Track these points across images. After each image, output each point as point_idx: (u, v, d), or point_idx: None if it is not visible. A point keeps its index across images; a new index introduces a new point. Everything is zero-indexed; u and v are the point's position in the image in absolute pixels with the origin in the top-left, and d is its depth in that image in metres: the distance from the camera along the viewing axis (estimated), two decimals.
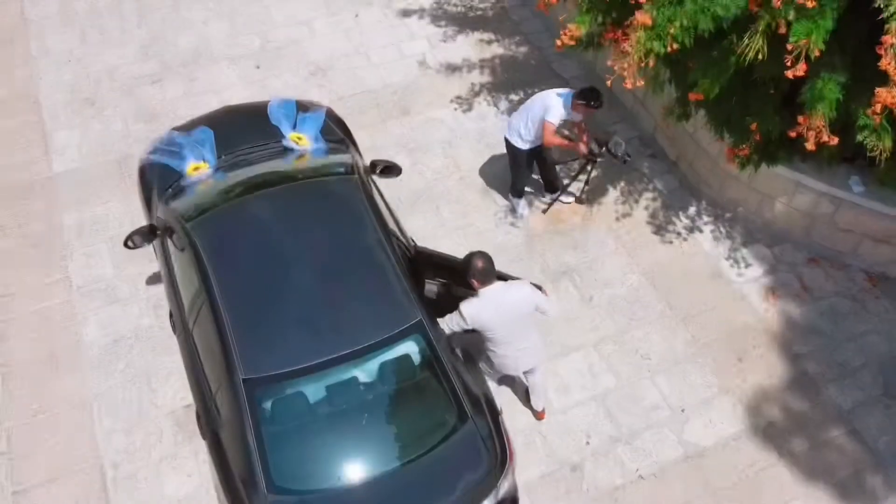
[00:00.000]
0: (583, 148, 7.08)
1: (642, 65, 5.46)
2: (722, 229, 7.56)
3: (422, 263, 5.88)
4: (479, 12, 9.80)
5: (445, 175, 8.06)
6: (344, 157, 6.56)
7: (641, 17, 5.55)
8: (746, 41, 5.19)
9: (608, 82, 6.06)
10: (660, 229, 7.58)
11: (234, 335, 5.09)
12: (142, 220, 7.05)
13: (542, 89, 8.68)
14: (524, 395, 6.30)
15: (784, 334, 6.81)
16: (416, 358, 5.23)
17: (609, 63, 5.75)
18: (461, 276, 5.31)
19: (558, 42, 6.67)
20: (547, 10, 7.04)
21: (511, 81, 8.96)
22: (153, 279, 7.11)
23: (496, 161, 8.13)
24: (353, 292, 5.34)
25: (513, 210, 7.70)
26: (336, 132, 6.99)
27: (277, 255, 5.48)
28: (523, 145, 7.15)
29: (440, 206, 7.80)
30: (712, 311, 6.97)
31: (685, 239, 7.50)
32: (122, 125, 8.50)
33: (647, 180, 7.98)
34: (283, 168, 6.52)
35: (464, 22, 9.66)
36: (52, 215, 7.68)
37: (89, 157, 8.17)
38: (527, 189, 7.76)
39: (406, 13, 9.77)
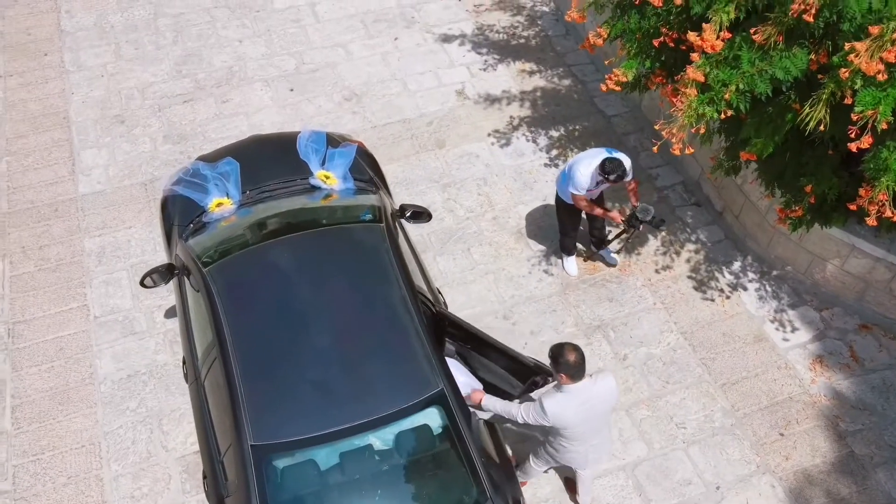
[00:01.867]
0: (617, 216, 6.62)
1: (693, 131, 5.09)
2: (768, 288, 7.14)
3: (445, 327, 5.55)
4: (521, 41, 9.46)
5: (479, 214, 7.74)
6: (372, 200, 6.27)
7: (693, 74, 5.17)
8: (808, 109, 4.79)
9: (654, 147, 5.71)
10: (701, 285, 7.19)
11: (246, 396, 4.82)
12: (162, 251, 6.85)
13: (584, 125, 8.45)
14: (563, 480, 5.96)
15: (831, 409, 6.38)
16: (436, 430, 4.91)
17: (657, 127, 5.38)
18: (485, 347, 4.98)
19: (603, 86, 6.37)
20: (592, 50, 6.70)
21: (552, 116, 8.61)
22: (171, 313, 6.90)
23: (532, 202, 7.80)
24: (373, 355, 5.04)
25: (555, 257, 7.36)
26: (366, 171, 6.71)
27: (295, 310, 5.20)
28: (569, 200, 6.75)
29: (471, 247, 7.48)
30: (754, 378, 6.57)
31: (728, 297, 7.09)
32: (151, 146, 8.31)
33: (690, 231, 7.58)
34: (308, 210, 6.26)
35: (505, 50, 9.33)
36: (74, 239, 7.50)
37: (115, 180, 7.99)
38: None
39: (447, 38, 9.46)
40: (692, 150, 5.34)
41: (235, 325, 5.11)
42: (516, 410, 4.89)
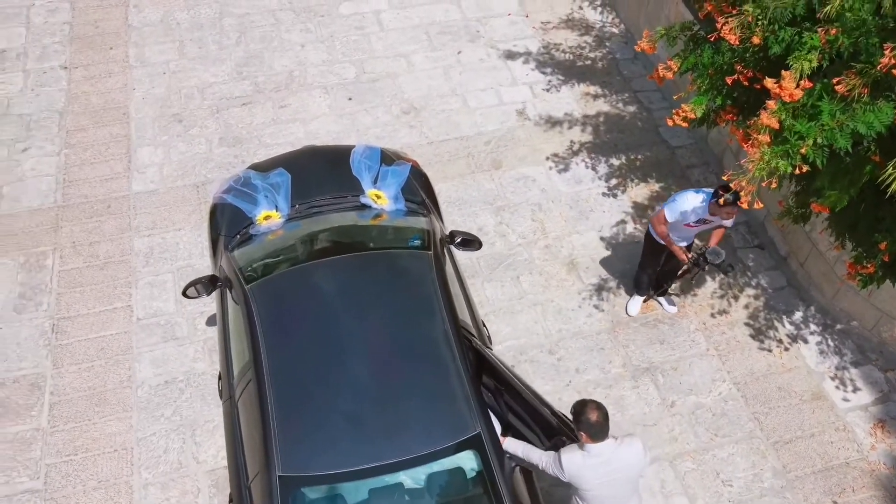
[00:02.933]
0: (682, 254, 6.25)
1: (763, 184, 4.80)
2: (830, 343, 6.79)
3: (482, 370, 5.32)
4: (587, 62, 9.21)
5: (531, 241, 7.52)
6: (422, 223, 6.11)
7: (767, 120, 4.89)
8: (890, 170, 4.48)
9: (721, 200, 5.44)
10: (759, 333, 6.86)
11: (277, 424, 4.70)
12: (209, 256, 6.78)
13: (646, 155, 8.17)
14: None
15: (891, 478, 6.02)
16: (469, 474, 4.73)
17: (725, 177, 5.10)
18: (517, 396, 4.77)
19: (669, 121, 6.11)
20: (661, 82, 6.44)
21: (614, 143, 8.35)
22: (212, 321, 6.83)
23: (587, 232, 7.56)
24: (410, 391, 4.87)
25: (606, 292, 7.11)
26: (418, 192, 6.55)
27: (334, 338, 5.06)
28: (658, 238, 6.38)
29: (521, 275, 7.27)
30: (809, 438, 6.23)
31: (786, 348, 6.76)
32: (206, 147, 8.28)
33: (751, 275, 7.26)
34: (356, 230, 6.13)
35: (570, 71, 9.09)
36: (124, 237, 7.50)
37: (169, 180, 7.97)
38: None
39: (511, 55, 9.26)
40: (762, 206, 5.05)
41: (273, 349, 4.99)
42: (537, 458, 4.68)
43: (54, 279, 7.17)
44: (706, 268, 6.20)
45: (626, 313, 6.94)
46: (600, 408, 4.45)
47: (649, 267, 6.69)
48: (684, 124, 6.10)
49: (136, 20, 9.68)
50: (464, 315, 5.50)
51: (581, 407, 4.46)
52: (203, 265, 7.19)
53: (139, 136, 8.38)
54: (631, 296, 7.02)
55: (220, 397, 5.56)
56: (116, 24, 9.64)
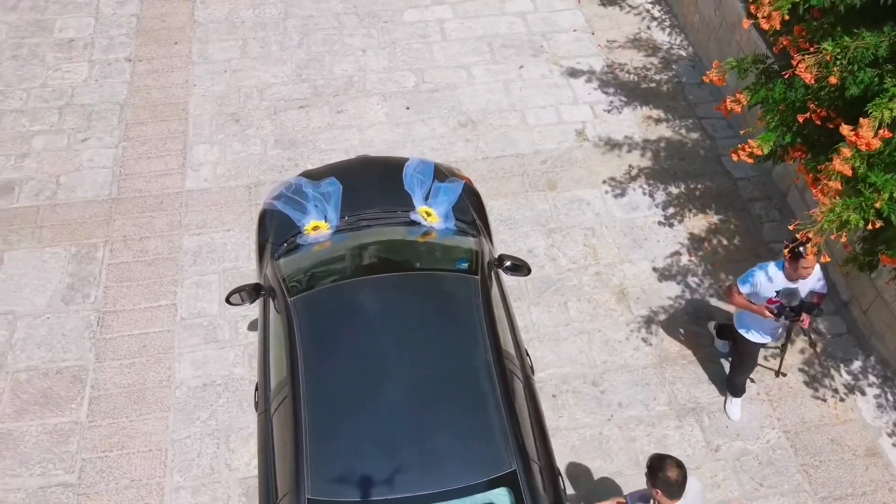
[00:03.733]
0: (765, 312, 5.59)
1: (833, 237, 4.57)
2: (890, 397, 6.48)
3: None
4: (652, 84, 8.98)
5: (582, 266, 7.34)
6: (471, 245, 5.98)
7: (840, 167, 4.66)
8: None
9: (785, 250, 5.20)
10: (813, 381, 6.58)
11: (310, 445, 4.63)
12: (254, 260, 6.75)
13: (707, 185, 7.93)
14: None
15: None
16: None
17: (790, 227, 4.88)
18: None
19: (734, 156, 5.91)
20: (728, 114, 6.22)
21: (673, 170, 8.12)
22: (254, 326, 6.80)
23: (640, 261, 7.35)
24: (446, 422, 4.75)
25: (655, 325, 6.91)
26: (469, 211, 6.42)
27: (374, 361, 4.97)
28: (753, 336, 5.90)
29: (569, 301, 7.10)
30: (860, 497, 5.95)
31: (842, 399, 6.47)
32: (261, 149, 8.28)
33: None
34: (404, 247, 6.04)
35: (634, 93, 8.87)
36: (174, 234, 7.53)
37: (222, 179, 7.98)
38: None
39: (574, 73, 9.07)
40: (829, 258, 4.81)
41: (311, 366, 4.92)
42: None
43: (103, 272, 7.22)
44: (792, 316, 5.57)
45: (728, 417, 6.39)
46: (680, 466, 4.24)
47: (747, 369, 6.21)
48: (749, 160, 5.89)
49: (202, 16, 9.74)
50: (507, 343, 5.36)
51: (659, 463, 4.25)
52: (249, 268, 7.18)
53: (196, 134, 8.42)
54: (726, 397, 6.46)
55: (256, 409, 5.51)
56: (182, 19, 9.71)
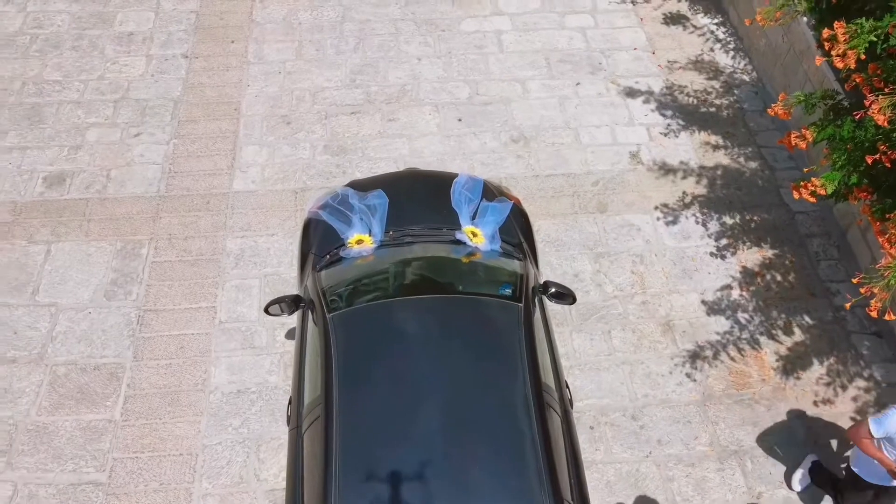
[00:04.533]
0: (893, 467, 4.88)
1: None
2: None
3: None
4: (712, 109, 8.73)
5: (628, 294, 7.15)
6: (516, 268, 5.84)
7: None
8: None
9: (847, 305, 4.93)
10: None
11: (340, 470, 4.53)
12: (296, 267, 6.68)
13: (763, 217, 7.67)
14: None
15: None
16: None
17: (854, 280, 4.65)
18: None
19: (795, 193, 5.69)
20: (792, 149, 5.99)
21: (729, 200, 7.87)
22: (292, 334, 6.75)
23: (689, 293, 7.14)
24: (480, 458, 4.61)
25: (700, 361, 6.69)
26: (516, 233, 6.28)
27: (410, 387, 4.86)
28: (871, 479, 5.21)
29: (613, 329, 6.91)
30: None
31: None
32: (310, 153, 8.23)
33: (864, 364, 6.69)
34: (447, 268, 5.91)
35: (692, 117, 8.63)
36: (218, 236, 7.51)
37: (269, 182, 7.95)
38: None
39: (631, 93, 8.86)
40: (894, 317, 4.57)
41: (346, 389, 4.83)
42: None
43: (146, 270, 7.24)
44: None
45: (790, 485, 6.00)
46: None
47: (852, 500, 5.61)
48: (812, 199, 5.68)
49: (260, 16, 9.74)
50: (547, 375, 5.20)
51: None
52: (290, 276, 7.13)
53: (246, 135, 8.40)
54: (794, 472, 6.05)
55: (288, 423, 5.44)
56: (241, 17, 9.72)
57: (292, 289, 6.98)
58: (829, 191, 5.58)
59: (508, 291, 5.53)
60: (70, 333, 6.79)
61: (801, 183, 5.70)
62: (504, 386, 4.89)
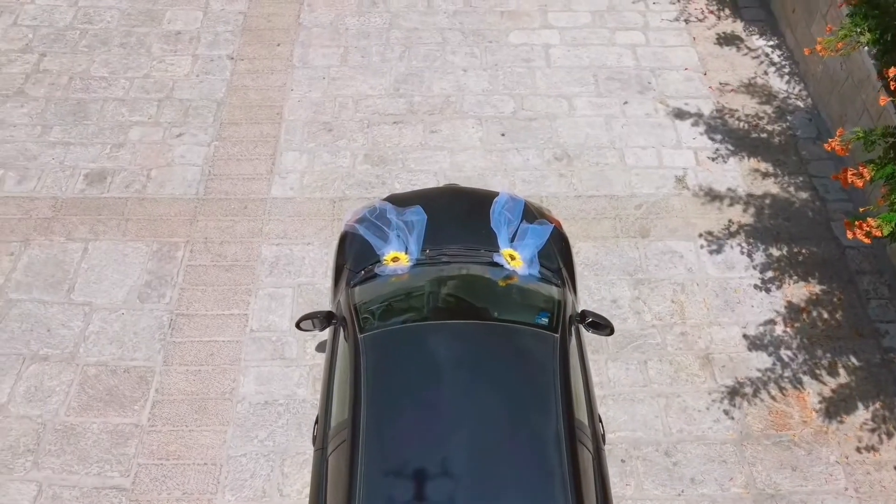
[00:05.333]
0: None
1: None
2: None
3: None
4: (763, 135, 8.48)
5: (667, 324, 6.96)
6: (553, 295, 5.70)
7: None
8: None
9: None
10: None
11: (363, 500, 4.42)
12: (330, 278, 6.60)
13: (812, 250, 7.44)
14: None
15: None
16: None
17: None
18: None
19: (849, 233, 5.46)
20: (847, 185, 5.76)
21: (776, 231, 7.62)
22: (322, 347, 6.67)
23: (730, 326, 6.92)
24: (507, 494, 4.48)
25: (739, 398, 6.48)
26: (555, 258, 6.13)
27: (439, 417, 4.74)
28: None
29: (649, 360, 6.73)
30: None
31: None
32: (350, 162, 8.15)
33: None
34: (483, 292, 5.78)
35: (742, 142, 8.39)
36: (253, 242, 7.47)
37: (308, 189, 7.89)
38: None
39: (680, 114, 8.65)
40: None
41: (373, 416, 4.73)
42: None
43: (180, 273, 7.21)
44: None
45: None
46: None
47: None
48: (866, 240, 5.44)
49: (308, 20, 9.70)
50: (581, 409, 5.05)
51: None
52: (324, 286, 7.05)
53: (287, 140, 8.35)
54: None
55: (313, 443, 5.35)
56: (288, 20, 9.69)
57: (325, 299, 6.93)
58: (886, 232, 5.36)
59: (545, 320, 5.38)
60: (102, 334, 6.79)
61: (856, 222, 5.47)
62: (535, 421, 4.75)
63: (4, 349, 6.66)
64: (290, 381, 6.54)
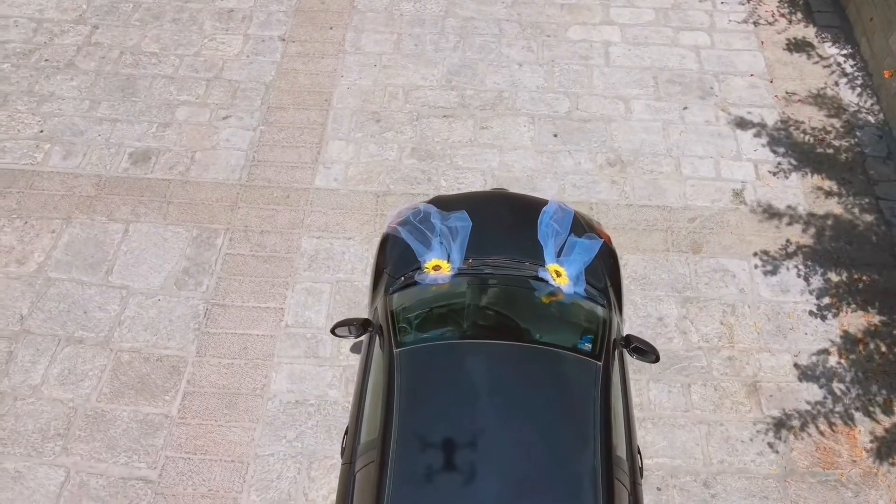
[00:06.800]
0: None
1: None
2: None
3: None
4: (829, 150, 8.08)
5: (714, 347, 6.68)
6: (598, 317, 5.47)
7: None
8: None
9: None
10: None
11: None
12: (369, 277, 6.44)
13: (874, 277, 7.09)
14: None
15: None
16: None
17: None
18: None
19: None
20: None
21: (837, 254, 7.27)
22: (357, 348, 6.54)
23: (782, 354, 6.63)
24: None
25: (786, 431, 6.21)
26: (602, 277, 5.88)
27: (471, 443, 4.56)
28: None
29: (693, 384, 6.48)
30: None
31: None
32: (396, 155, 7.96)
33: None
34: (525, 310, 5.57)
35: (807, 157, 8.00)
36: (294, 233, 7.34)
37: (352, 181, 7.73)
38: None
39: (742, 124, 8.28)
40: None
41: (404, 437, 4.58)
42: None
43: (219, 261, 7.12)
44: None
45: None
46: None
47: None
48: None
49: (362, 3, 9.48)
50: (619, 442, 4.84)
51: None
52: (363, 284, 6.91)
53: (334, 128, 8.18)
54: None
55: (341, 455, 5.22)
56: (342, 3, 9.48)
57: (363, 297, 6.80)
58: None
59: (588, 346, 5.16)
60: (137, 319, 6.73)
61: None
62: (572, 454, 4.56)
63: (42, 329, 6.65)
64: (322, 381, 6.43)
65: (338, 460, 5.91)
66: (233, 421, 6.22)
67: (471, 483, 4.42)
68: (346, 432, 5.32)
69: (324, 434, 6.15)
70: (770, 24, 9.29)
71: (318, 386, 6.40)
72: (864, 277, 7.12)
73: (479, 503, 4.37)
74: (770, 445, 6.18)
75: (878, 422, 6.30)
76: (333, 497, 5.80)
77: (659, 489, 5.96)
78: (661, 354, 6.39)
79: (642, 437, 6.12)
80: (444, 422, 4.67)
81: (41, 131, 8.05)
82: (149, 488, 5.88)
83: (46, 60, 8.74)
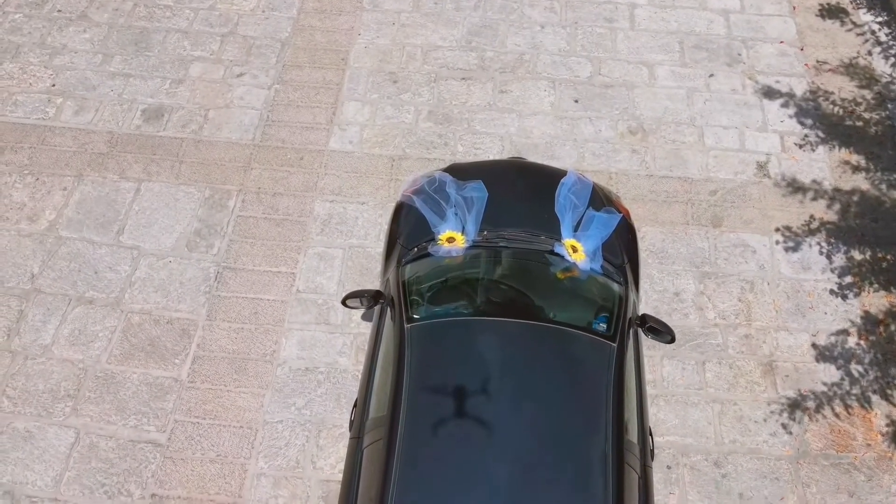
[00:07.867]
0: None
1: None
2: None
3: None
4: (858, 123, 7.84)
5: (731, 324, 6.57)
6: (614, 295, 5.36)
7: None
8: None
9: None
10: None
11: (395, 500, 4.26)
12: (382, 243, 6.34)
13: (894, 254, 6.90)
14: None
15: None
16: None
17: None
18: None
19: None
20: None
21: (861, 232, 7.09)
22: (368, 316, 6.47)
23: (800, 333, 6.51)
24: None
25: (801, 413, 6.12)
26: (619, 253, 5.75)
27: (481, 423, 4.50)
28: None
29: (708, 361, 6.38)
30: None
31: None
32: (413, 118, 7.80)
33: None
34: (539, 286, 5.46)
35: (835, 130, 7.77)
36: (307, 196, 7.23)
37: (367, 144, 7.58)
38: None
39: (769, 93, 8.04)
40: None
41: (412, 415, 4.52)
42: None
43: (231, 223, 7.04)
44: None
45: None
46: None
47: None
48: None
49: None
50: (632, 427, 4.77)
51: None
52: (375, 251, 6.82)
53: (350, 89, 8.02)
54: None
55: (350, 427, 5.19)
56: None
57: (375, 264, 6.73)
58: None
59: (602, 326, 5.06)
60: (148, 281, 6.69)
61: None
62: (583, 439, 4.49)
63: (52, 288, 6.62)
64: (332, 348, 6.38)
65: (346, 429, 5.89)
66: (242, 386, 6.19)
67: (478, 465, 4.36)
68: (354, 404, 5.28)
69: (333, 403, 6.12)
70: None
71: (328, 353, 6.36)
72: (889, 256, 6.95)
73: (487, 486, 4.32)
74: (784, 426, 6.10)
75: (895, 405, 6.20)
76: (341, 466, 5.79)
77: (669, 467, 5.91)
78: (676, 331, 6.32)
79: (654, 414, 6.05)
80: (452, 403, 4.60)
81: (53, 85, 7.93)
82: (158, 451, 5.89)
83: (59, 11, 8.59)
